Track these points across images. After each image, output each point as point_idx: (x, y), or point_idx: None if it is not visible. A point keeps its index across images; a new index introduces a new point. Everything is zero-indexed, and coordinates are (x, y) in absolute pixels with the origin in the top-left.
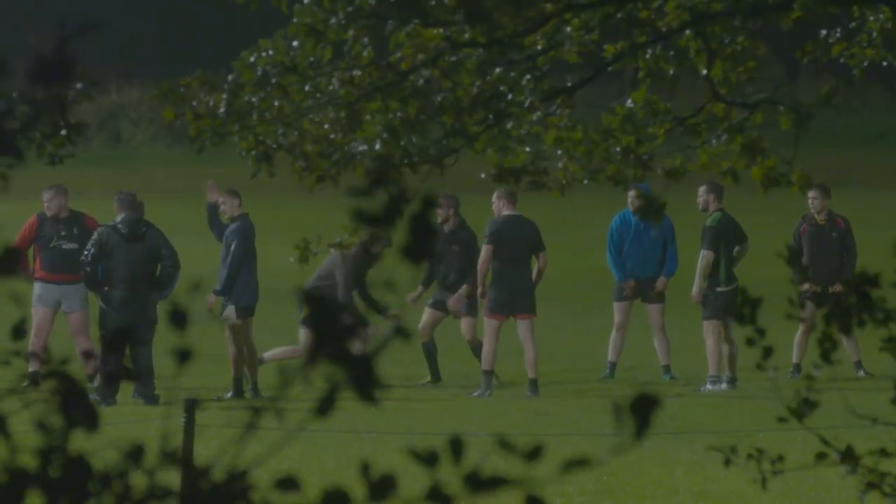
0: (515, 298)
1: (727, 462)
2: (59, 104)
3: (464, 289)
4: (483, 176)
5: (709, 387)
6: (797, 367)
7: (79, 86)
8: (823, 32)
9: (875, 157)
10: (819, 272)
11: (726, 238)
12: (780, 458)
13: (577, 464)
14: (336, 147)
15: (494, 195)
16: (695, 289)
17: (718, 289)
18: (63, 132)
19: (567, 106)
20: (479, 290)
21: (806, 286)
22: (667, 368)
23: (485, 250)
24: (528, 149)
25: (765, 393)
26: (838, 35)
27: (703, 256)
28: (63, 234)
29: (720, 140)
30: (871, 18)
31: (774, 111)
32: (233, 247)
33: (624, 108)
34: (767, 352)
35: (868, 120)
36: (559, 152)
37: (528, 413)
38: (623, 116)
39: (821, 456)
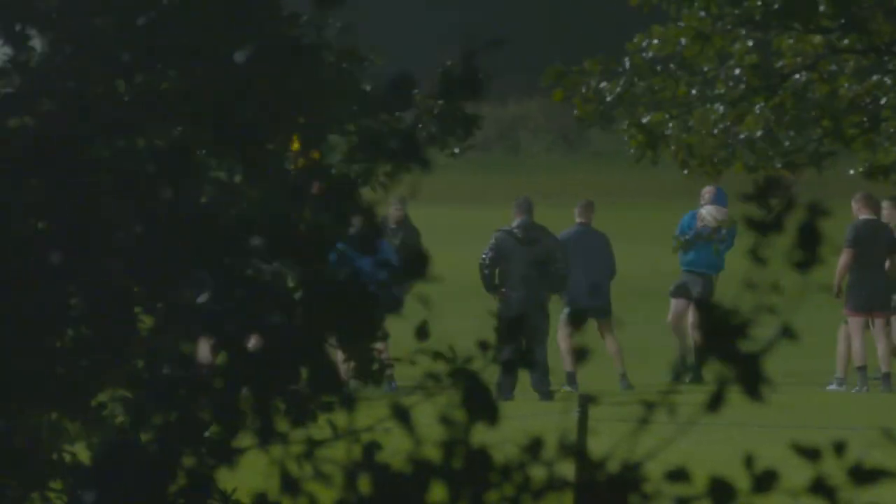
0: (873, 298)
1: None
2: (465, 117)
3: None
4: (851, 172)
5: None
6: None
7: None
8: None
9: None
10: None
11: None
12: None
13: None
14: (719, 140)
15: (854, 199)
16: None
17: None
18: (460, 128)
19: None
20: (835, 290)
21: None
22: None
23: (846, 253)
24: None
25: None
26: None
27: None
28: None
29: None
30: None
31: None
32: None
33: None
34: None
35: None
36: None
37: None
38: None
39: None
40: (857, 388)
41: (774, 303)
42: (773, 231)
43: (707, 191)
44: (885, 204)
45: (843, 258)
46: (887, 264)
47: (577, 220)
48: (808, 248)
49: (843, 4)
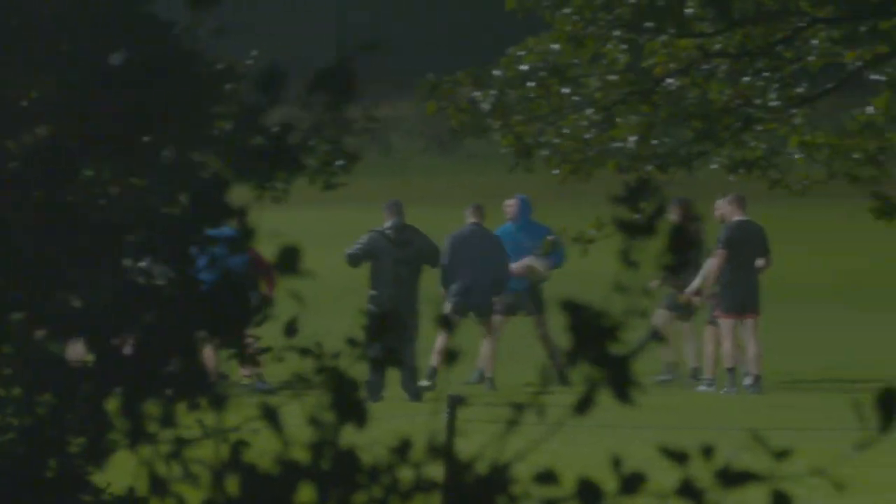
0: (746, 300)
1: None
2: (339, 127)
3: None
4: (714, 166)
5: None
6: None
7: (356, 122)
8: None
9: None
10: None
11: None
12: None
13: (824, 471)
14: (591, 146)
15: (722, 201)
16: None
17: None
18: (338, 163)
19: (807, 110)
20: (707, 291)
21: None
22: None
23: (719, 254)
24: (763, 146)
25: None
26: None
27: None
28: None
29: None
30: None
31: None
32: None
33: (864, 114)
34: None
35: None
36: (797, 156)
37: (776, 408)
38: (864, 122)
39: None
40: (725, 390)
41: (645, 305)
42: (644, 234)
43: (509, 204)
44: (719, 203)
45: (716, 259)
46: (766, 263)
47: (470, 220)
48: (679, 251)
49: (715, 7)
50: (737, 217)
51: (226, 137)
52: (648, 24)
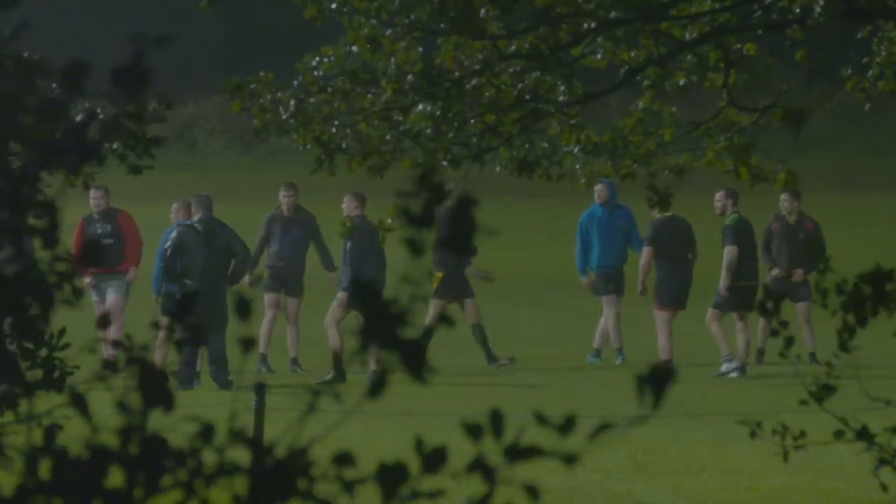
0: (684, 292)
1: (753, 435)
2: (136, 117)
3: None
4: (498, 169)
5: (724, 367)
6: (761, 352)
7: (154, 106)
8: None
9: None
10: (783, 265)
11: (746, 237)
12: (802, 434)
13: (604, 428)
14: (387, 144)
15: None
16: (723, 283)
17: (737, 283)
18: (141, 145)
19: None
20: (640, 287)
21: (775, 271)
22: (596, 352)
23: (646, 252)
24: (545, 144)
25: (785, 378)
26: (850, 71)
27: (728, 252)
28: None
29: (721, 141)
30: (883, 53)
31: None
32: (349, 245)
33: (637, 112)
34: (789, 342)
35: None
36: (573, 150)
37: (559, 397)
38: (636, 120)
39: (839, 433)
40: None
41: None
42: (425, 224)
43: (598, 189)
44: (783, 196)
45: (645, 255)
46: (694, 254)
47: (358, 211)
48: (461, 236)
49: (506, 10)
50: (660, 214)
51: (32, 130)
52: (443, 27)
